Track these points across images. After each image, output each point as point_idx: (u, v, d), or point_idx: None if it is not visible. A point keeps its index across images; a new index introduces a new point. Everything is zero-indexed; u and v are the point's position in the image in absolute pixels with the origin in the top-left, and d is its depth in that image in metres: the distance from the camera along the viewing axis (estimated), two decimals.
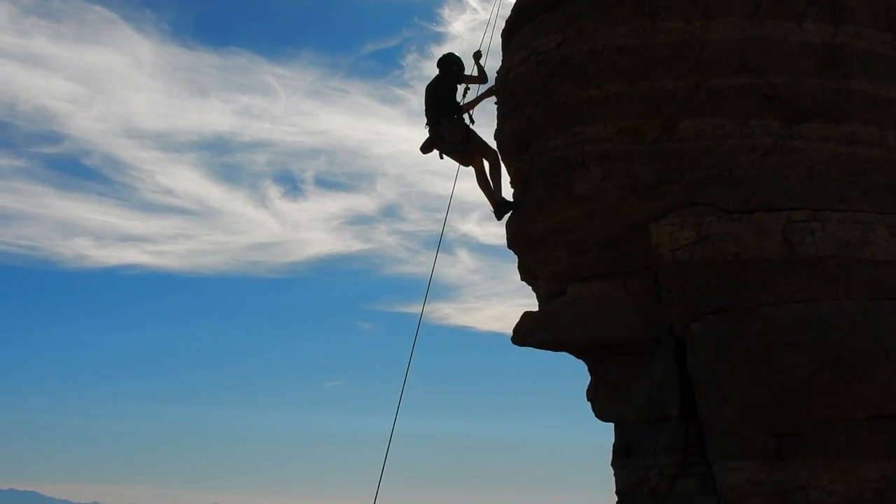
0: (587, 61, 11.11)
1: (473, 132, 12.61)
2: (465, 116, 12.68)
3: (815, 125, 10.81)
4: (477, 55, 13.13)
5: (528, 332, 12.75)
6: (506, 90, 12.26)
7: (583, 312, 11.97)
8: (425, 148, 12.81)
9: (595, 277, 11.96)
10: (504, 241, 12.90)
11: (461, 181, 13.05)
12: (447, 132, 12.52)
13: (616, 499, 12.61)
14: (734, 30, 10.78)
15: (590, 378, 13.15)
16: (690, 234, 10.65)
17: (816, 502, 9.89)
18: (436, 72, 13.04)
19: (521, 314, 13.10)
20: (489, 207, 12.81)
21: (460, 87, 12.90)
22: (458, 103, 12.71)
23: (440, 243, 13.34)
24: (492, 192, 12.68)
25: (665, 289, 10.95)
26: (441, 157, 12.85)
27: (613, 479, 12.47)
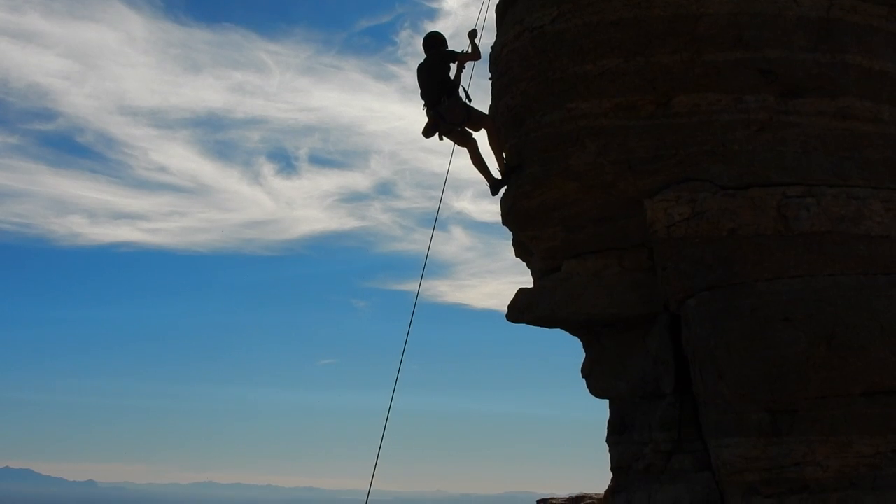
0: (582, 36, 11.05)
1: (473, 108, 12.56)
2: (462, 93, 12.61)
3: (810, 100, 10.78)
4: (472, 33, 13.02)
5: (523, 309, 12.75)
6: (501, 65, 12.19)
7: (578, 289, 11.97)
8: (428, 131, 12.71)
9: (590, 253, 11.95)
10: (498, 217, 12.87)
11: (456, 158, 12.98)
12: (448, 112, 12.45)
13: (611, 475, 12.65)
14: (729, 4, 10.71)
15: (585, 355, 13.16)
16: (685, 209, 10.63)
17: (811, 478, 9.91)
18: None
19: (515, 291, 13.10)
20: (483, 184, 12.75)
21: (453, 66, 12.82)
22: (454, 81, 12.65)
23: (436, 221, 13.30)
24: (487, 170, 12.63)
25: (660, 265, 10.92)
26: (441, 139, 12.77)
27: (609, 455, 12.50)
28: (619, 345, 12.31)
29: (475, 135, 12.74)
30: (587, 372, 13.05)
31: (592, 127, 11.06)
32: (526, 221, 12.28)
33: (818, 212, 10.38)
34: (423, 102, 12.73)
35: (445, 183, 13.58)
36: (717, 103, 10.75)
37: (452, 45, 12.98)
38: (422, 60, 12.95)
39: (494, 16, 12.91)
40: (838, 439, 9.92)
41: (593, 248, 11.91)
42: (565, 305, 12.11)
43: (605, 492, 13.55)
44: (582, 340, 13.16)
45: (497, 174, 12.57)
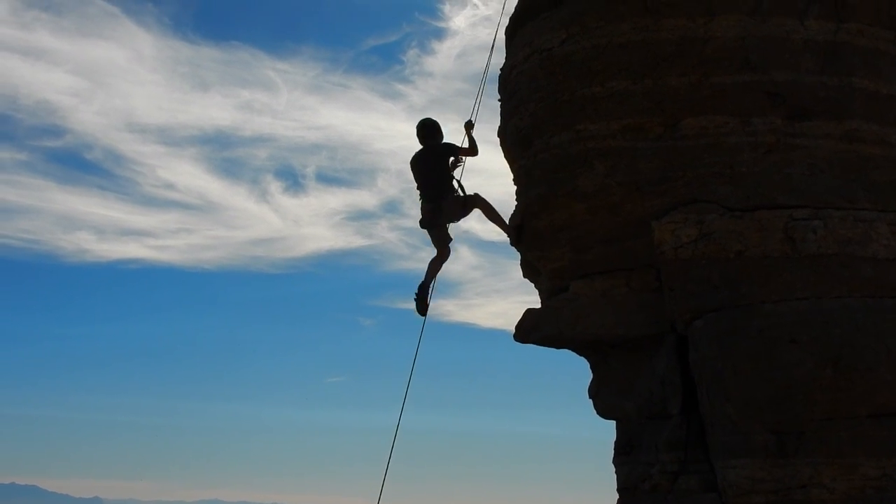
0: (590, 58, 11.11)
1: (468, 198, 12.58)
2: (455, 184, 12.53)
3: (818, 122, 10.82)
4: (469, 125, 12.85)
5: (530, 329, 12.77)
6: (510, 87, 12.25)
7: (585, 309, 11.98)
8: (427, 224, 12.57)
9: (597, 274, 11.97)
10: (505, 237, 12.90)
11: (465, 179, 12.94)
12: (449, 209, 12.41)
13: (617, 496, 12.64)
14: (737, 27, 10.78)
15: (591, 375, 13.17)
16: (693, 231, 10.66)
17: (817, 500, 9.91)
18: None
19: (522, 311, 13.12)
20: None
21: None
22: (453, 176, 12.60)
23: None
24: (435, 274, 12.65)
25: (667, 286, 10.96)
26: (422, 227, 12.65)
27: (615, 476, 12.50)
28: (626, 365, 12.31)
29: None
30: (594, 392, 13.06)
31: (600, 148, 11.12)
32: (534, 242, 12.32)
33: (825, 234, 10.40)
34: (419, 195, 12.64)
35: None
36: (724, 126, 10.80)
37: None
38: (418, 150, 12.77)
39: (504, 38, 12.96)
40: (845, 461, 9.92)
41: (601, 268, 11.92)
42: (572, 326, 12.12)
43: None
44: (589, 361, 13.17)
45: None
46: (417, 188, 12.64)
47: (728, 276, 10.52)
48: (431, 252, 12.78)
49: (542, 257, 12.48)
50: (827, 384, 9.98)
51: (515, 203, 12.53)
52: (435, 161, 12.56)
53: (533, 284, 13.80)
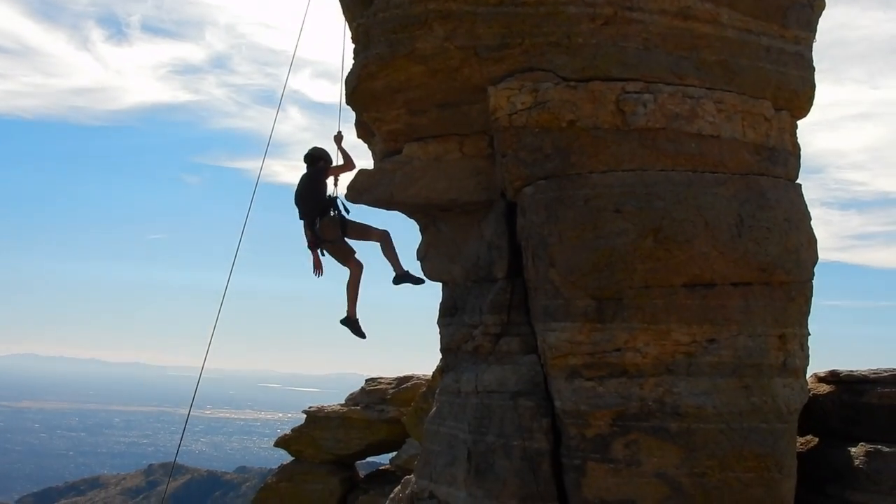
0: None
1: (351, 221, 12.70)
2: (340, 205, 12.49)
3: None
4: (338, 138, 12.82)
5: (362, 191, 12.74)
6: None
7: (418, 172, 12.03)
8: (312, 248, 12.79)
9: (432, 138, 11.99)
10: (335, 98, 12.82)
11: (296, 36, 12.76)
12: (323, 231, 12.56)
13: (440, 356, 12.92)
14: None
15: (421, 238, 13.29)
16: (528, 98, 10.74)
17: (630, 363, 10.35)
18: None
19: (354, 172, 13.09)
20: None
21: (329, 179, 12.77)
22: (330, 197, 12.74)
23: (281, 102, 13.20)
24: (355, 301, 12.77)
25: (500, 152, 11.05)
26: (323, 255, 12.86)
27: (439, 337, 12.75)
28: (456, 229, 12.46)
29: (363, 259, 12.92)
30: (422, 255, 13.21)
31: (441, 10, 10.94)
32: (370, 102, 12.17)
33: (654, 108, 10.63)
34: (304, 222, 12.81)
35: (292, 64, 13.42)
36: None
37: None
38: (303, 174, 12.93)
39: None
40: (658, 328, 10.36)
41: (435, 132, 11.94)
42: (404, 188, 12.16)
43: (434, 372, 13.84)
44: (419, 223, 13.27)
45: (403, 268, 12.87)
46: (300, 216, 12.84)
47: (559, 144, 10.67)
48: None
49: (377, 119, 12.37)
50: (647, 254, 10.34)
51: (353, 62, 12.33)
52: (308, 186, 12.63)
53: (367, 146, 13.75)
